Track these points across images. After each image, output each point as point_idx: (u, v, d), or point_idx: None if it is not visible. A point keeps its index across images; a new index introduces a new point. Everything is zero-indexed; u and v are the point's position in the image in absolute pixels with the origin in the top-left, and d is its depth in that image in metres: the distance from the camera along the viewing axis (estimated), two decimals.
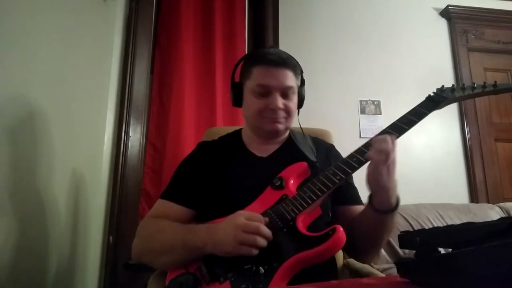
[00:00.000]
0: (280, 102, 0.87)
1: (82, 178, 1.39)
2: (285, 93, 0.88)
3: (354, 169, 0.72)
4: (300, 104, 0.96)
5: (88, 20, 1.43)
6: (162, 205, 0.88)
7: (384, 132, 0.74)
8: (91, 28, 1.48)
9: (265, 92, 0.88)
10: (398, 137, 0.72)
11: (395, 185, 0.72)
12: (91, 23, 1.48)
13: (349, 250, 0.87)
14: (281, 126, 0.90)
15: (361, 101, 2.12)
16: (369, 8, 2.28)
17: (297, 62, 0.94)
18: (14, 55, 0.92)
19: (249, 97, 0.91)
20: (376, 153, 0.68)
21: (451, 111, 2.21)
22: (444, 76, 2.21)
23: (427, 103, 0.78)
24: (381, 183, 0.69)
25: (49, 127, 1.12)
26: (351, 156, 0.74)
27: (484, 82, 0.79)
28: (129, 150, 1.74)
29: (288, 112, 0.89)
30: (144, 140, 1.82)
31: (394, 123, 0.76)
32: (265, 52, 0.92)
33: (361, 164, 0.72)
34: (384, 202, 0.72)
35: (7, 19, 0.89)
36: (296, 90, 0.91)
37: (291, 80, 0.89)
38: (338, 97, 2.10)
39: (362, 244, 0.80)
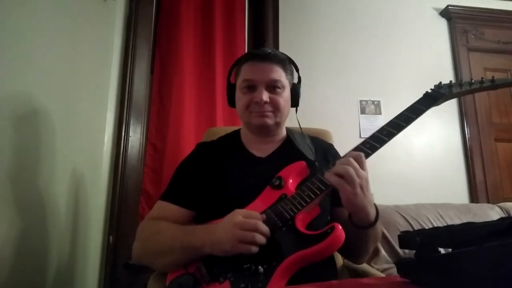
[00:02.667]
0: (265, 95, 0.87)
1: (82, 178, 1.39)
2: (270, 87, 0.89)
3: None
4: (295, 101, 0.97)
5: (88, 20, 1.43)
6: (162, 207, 0.89)
7: (357, 149, 0.73)
8: (91, 28, 1.48)
9: (250, 86, 0.89)
10: (371, 154, 0.71)
11: (370, 201, 0.71)
12: (91, 23, 1.48)
13: (341, 251, 0.88)
14: (269, 120, 0.90)
15: (361, 101, 2.12)
16: (369, 8, 2.28)
17: (288, 58, 0.95)
18: (14, 54, 0.92)
19: (238, 94, 0.93)
20: (336, 180, 0.67)
21: (451, 111, 2.21)
22: (444, 76, 2.19)
23: (425, 100, 0.78)
24: (356, 203, 0.69)
25: (49, 127, 1.12)
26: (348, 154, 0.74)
27: (482, 78, 0.79)
28: (129, 150, 1.74)
29: (275, 106, 0.90)
30: (144, 140, 1.82)
31: (392, 120, 0.75)
32: (253, 50, 0.95)
33: None
34: (362, 220, 0.72)
35: (7, 19, 0.89)
36: (285, 85, 0.92)
37: (277, 74, 0.89)
38: (338, 97, 2.10)
39: (351, 249, 0.80)
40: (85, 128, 1.43)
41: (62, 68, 1.19)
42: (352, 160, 0.68)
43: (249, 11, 2.20)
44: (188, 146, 1.75)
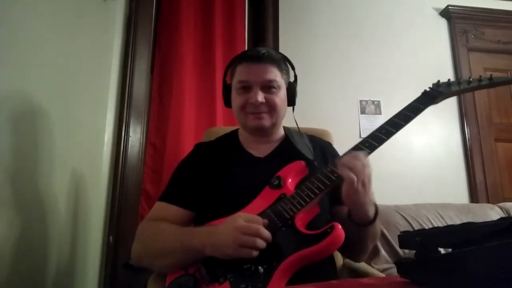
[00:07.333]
0: (260, 96, 0.87)
1: (82, 178, 1.39)
2: (266, 87, 0.88)
3: None
4: (292, 100, 0.96)
5: (88, 20, 1.43)
6: (161, 207, 0.88)
7: (356, 147, 0.74)
8: (91, 28, 1.48)
9: (245, 87, 0.89)
10: (370, 153, 0.72)
11: (371, 199, 0.72)
12: (91, 23, 1.48)
13: (341, 249, 0.88)
14: (265, 122, 0.89)
15: (361, 101, 2.12)
16: (369, 8, 2.28)
17: (283, 57, 0.95)
18: (15, 55, 0.92)
19: (233, 95, 0.93)
20: (348, 173, 0.67)
21: (451, 111, 2.21)
22: (444, 76, 2.14)
23: (423, 98, 0.78)
24: (357, 201, 0.70)
25: (49, 127, 1.12)
26: (349, 153, 0.74)
27: (480, 76, 0.79)
28: (129, 150, 1.73)
29: (270, 106, 0.89)
30: (144, 140, 1.82)
31: (390, 119, 0.76)
32: (246, 50, 0.94)
33: None
34: (362, 217, 0.73)
35: (8, 19, 0.89)
36: (281, 85, 0.91)
37: (272, 74, 0.88)
38: (338, 97, 2.10)
39: (350, 246, 0.80)
40: (85, 128, 1.43)
41: (62, 68, 1.19)
42: (360, 155, 0.69)
43: (249, 11, 2.20)
44: (188, 146, 1.74)
